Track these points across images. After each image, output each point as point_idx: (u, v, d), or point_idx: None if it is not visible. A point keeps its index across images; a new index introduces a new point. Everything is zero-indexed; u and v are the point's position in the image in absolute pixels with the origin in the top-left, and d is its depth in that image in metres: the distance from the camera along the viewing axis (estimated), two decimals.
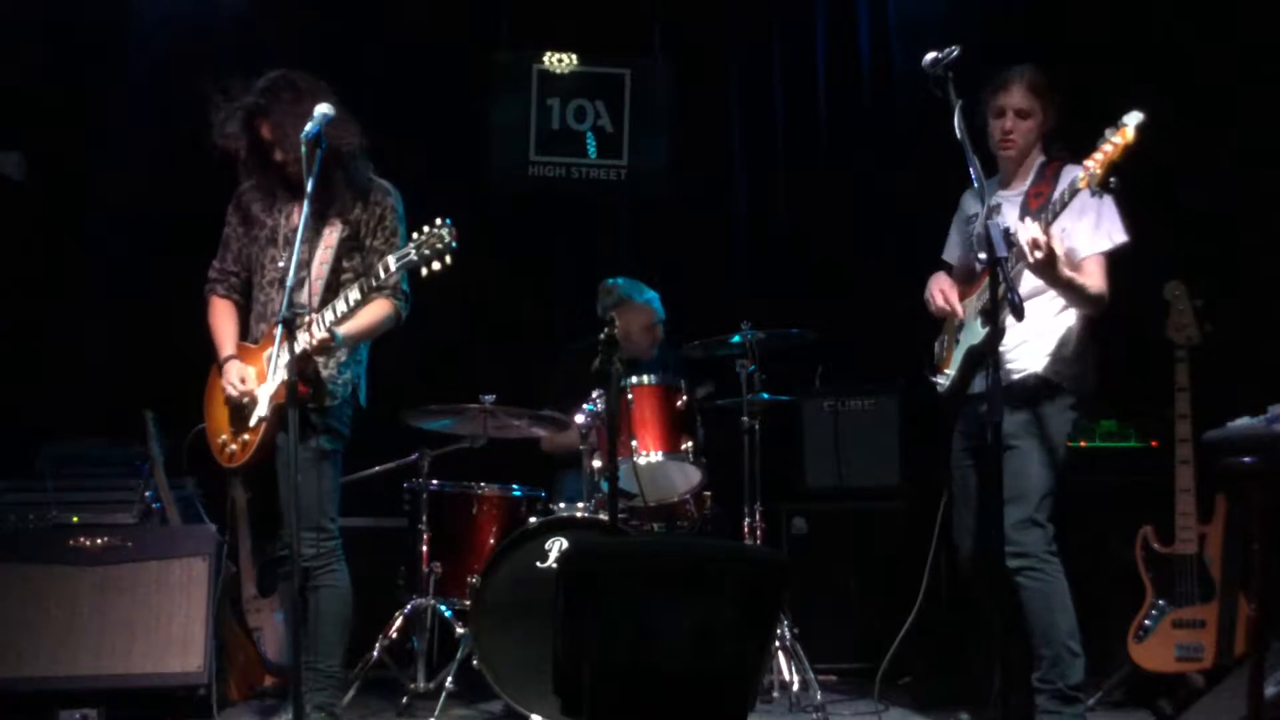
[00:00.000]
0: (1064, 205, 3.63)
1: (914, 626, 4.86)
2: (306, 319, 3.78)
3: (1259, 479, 3.47)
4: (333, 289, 3.88)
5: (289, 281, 3.57)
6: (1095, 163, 3.47)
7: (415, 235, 3.72)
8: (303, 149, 3.64)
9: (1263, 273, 5.06)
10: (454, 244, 3.67)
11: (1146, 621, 4.39)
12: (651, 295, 5.44)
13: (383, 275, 3.77)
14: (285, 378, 3.57)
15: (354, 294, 3.80)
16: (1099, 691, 4.47)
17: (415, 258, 3.69)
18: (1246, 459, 3.43)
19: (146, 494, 4.73)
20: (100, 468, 4.81)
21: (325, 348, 3.80)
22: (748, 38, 6.33)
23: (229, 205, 4.10)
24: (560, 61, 6.24)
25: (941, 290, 4.03)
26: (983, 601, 4.14)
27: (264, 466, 3.92)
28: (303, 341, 3.75)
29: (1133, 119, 3.46)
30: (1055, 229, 3.72)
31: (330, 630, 3.88)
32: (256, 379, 3.91)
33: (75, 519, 4.62)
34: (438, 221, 3.69)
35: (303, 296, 3.82)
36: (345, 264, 3.95)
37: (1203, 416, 4.20)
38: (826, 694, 4.68)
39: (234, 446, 3.96)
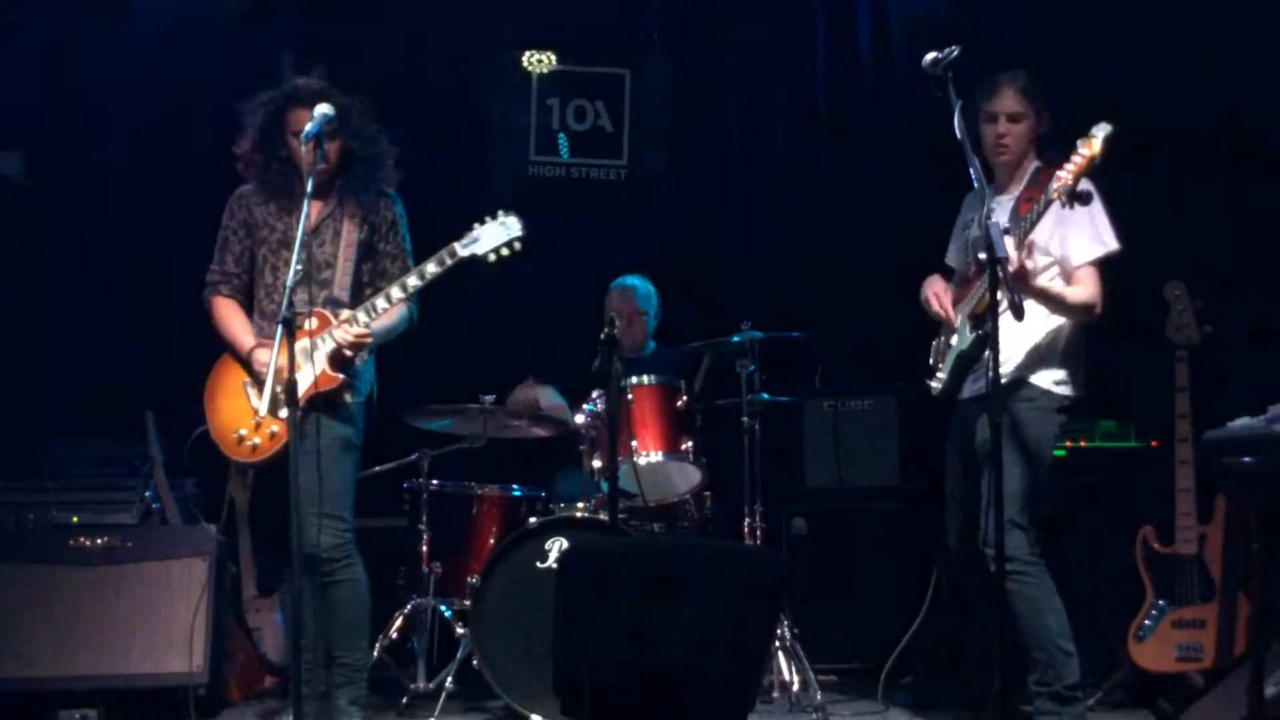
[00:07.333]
0: (1039, 217, 3.63)
1: (915, 627, 4.86)
2: (342, 313, 3.82)
3: (1259, 479, 3.47)
4: (355, 289, 3.93)
5: (289, 282, 3.55)
6: (1068, 173, 3.48)
7: (477, 225, 3.85)
8: (303, 148, 3.69)
9: (1263, 273, 5.06)
10: (520, 233, 3.87)
11: (1146, 621, 4.39)
12: (639, 284, 5.42)
13: (448, 260, 3.85)
14: (306, 375, 3.59)
15: (396, 291, 3.86)
16: (1099, 692, 4.47)
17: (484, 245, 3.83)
18: (1246, 459, 3.43)
19: (146, 494, 4.73)
20: (100, 468, 4.81)
21: (362, 344, 3.83)
22: (748, 38, 6.33)
23: (228, 207, 4.08)
24: (560, 61, 6.24)
25: (935, 294, 4.02)
26: (977, 603, 4.14)
27: (280, 463, 3.93)
28: (339, 337, 3.80)
29: (1101, 130, 3.47)
30: (1042, 238, 3.73)
31: (352, 623, 3.90)
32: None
33: (75, 519, 4.63)
34: (500, 213, 3.87)
35: (331, 293, 3.88)
36: (363, 266, 3.99)
37: (1203, 416, 4.20)
38: (826, 694, 4.67)
39: (257, 439, 3.86)
